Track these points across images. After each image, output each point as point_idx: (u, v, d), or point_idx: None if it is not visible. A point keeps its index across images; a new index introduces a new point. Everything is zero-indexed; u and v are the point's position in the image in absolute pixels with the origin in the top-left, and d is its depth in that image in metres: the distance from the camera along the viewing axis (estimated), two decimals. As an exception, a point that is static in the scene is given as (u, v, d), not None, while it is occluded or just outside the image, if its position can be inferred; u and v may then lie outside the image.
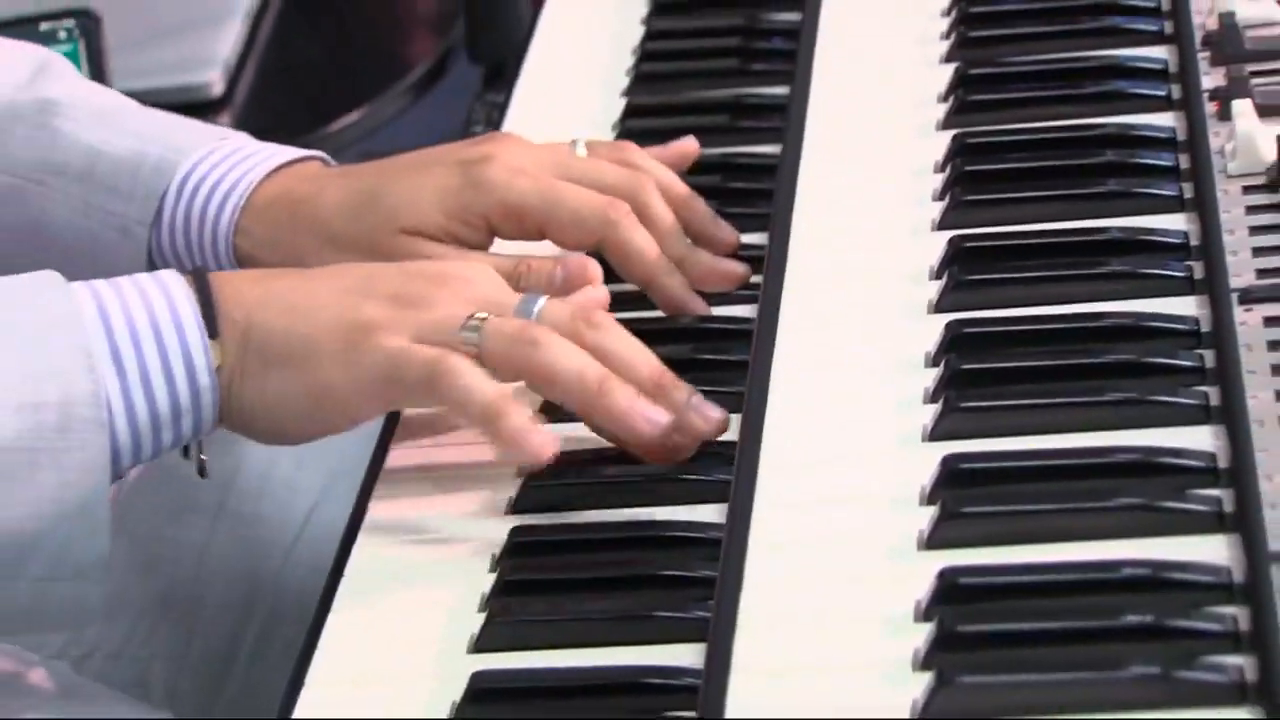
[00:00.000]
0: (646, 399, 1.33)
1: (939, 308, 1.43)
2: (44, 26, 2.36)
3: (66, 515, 1.29)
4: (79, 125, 1.68)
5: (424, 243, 1.56)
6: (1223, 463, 1.22)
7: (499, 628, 1.26)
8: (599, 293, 1.44)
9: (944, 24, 1.76)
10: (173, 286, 1.35)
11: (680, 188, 1.59)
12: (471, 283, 1.39)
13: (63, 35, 2.37)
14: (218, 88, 2.49)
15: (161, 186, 1.63)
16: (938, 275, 1.46)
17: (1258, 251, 1.37)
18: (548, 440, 1.31)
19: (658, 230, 1.56)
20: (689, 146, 1.67)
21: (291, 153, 1.66)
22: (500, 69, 2.33)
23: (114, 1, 2.50)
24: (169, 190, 1.63)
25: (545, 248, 1.59)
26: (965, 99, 1.65)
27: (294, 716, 1.23)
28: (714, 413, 1.36)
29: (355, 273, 1.42)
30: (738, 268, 1.57)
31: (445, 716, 1.20)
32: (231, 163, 1.64)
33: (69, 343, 1.31)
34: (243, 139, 1.67)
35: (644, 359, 1.37)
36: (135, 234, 1.64)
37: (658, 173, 1.59)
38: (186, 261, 1.65)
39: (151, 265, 1.63)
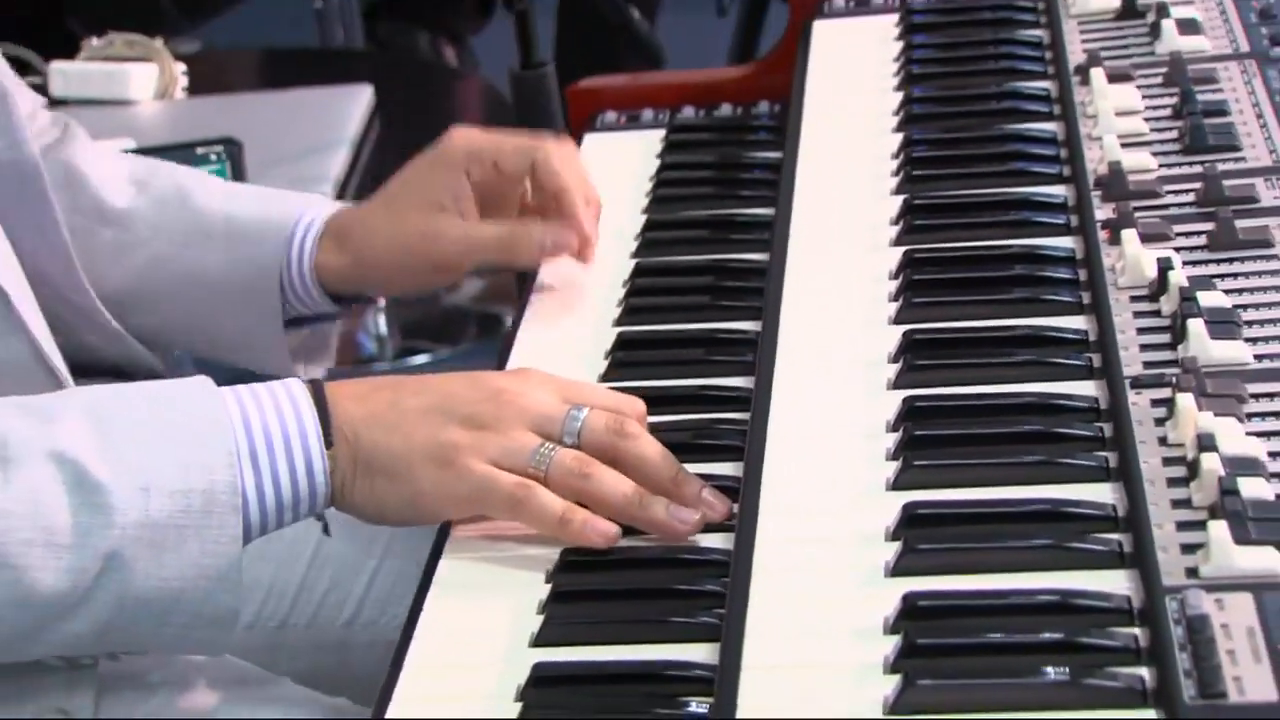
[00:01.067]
0: (675, 504, 1.35)
1: (897, 385, 1.44)
2: (200, 150, 2.39)
3: (206, 578, 1.32)
4: (212, 200, 1.74)
5: (445, 216, 1.64)
6: (1121, 512, 1.24)
7: (553, 627, 1.29)
8: (636, 404, 1.44)
9: (893, 164, 1.76)
10: (300, 401, 1.38)
11: None
12: (529, 399, 1.40)
13: (214, 157, 2.39)
14: (330, 193, 2.52)
15: (284, 235, 1.69)
16: (895, 359, 1.47)
17: (1144, 347, 1.38)
18: (608, 530, 1.34)
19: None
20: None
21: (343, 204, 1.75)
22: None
23: (253, 130, 2.53)
24: (291, 236, 1.70)
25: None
26: (912, 223, 1.65)
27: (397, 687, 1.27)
28: (720, 504, 1.37)
29: (435, 392, 1.42)
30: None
31: (513, 698, 1.22)
32: (312, 212, 1.72)
33: (217, 443, 1.34)
34: (316, 198, 1.77)
35: (666, 462, 1.37)
36: (269, 271, 1.69)
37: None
38: (291, 290, 1.71)
39: (283, 292, 1.70)
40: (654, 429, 1.45)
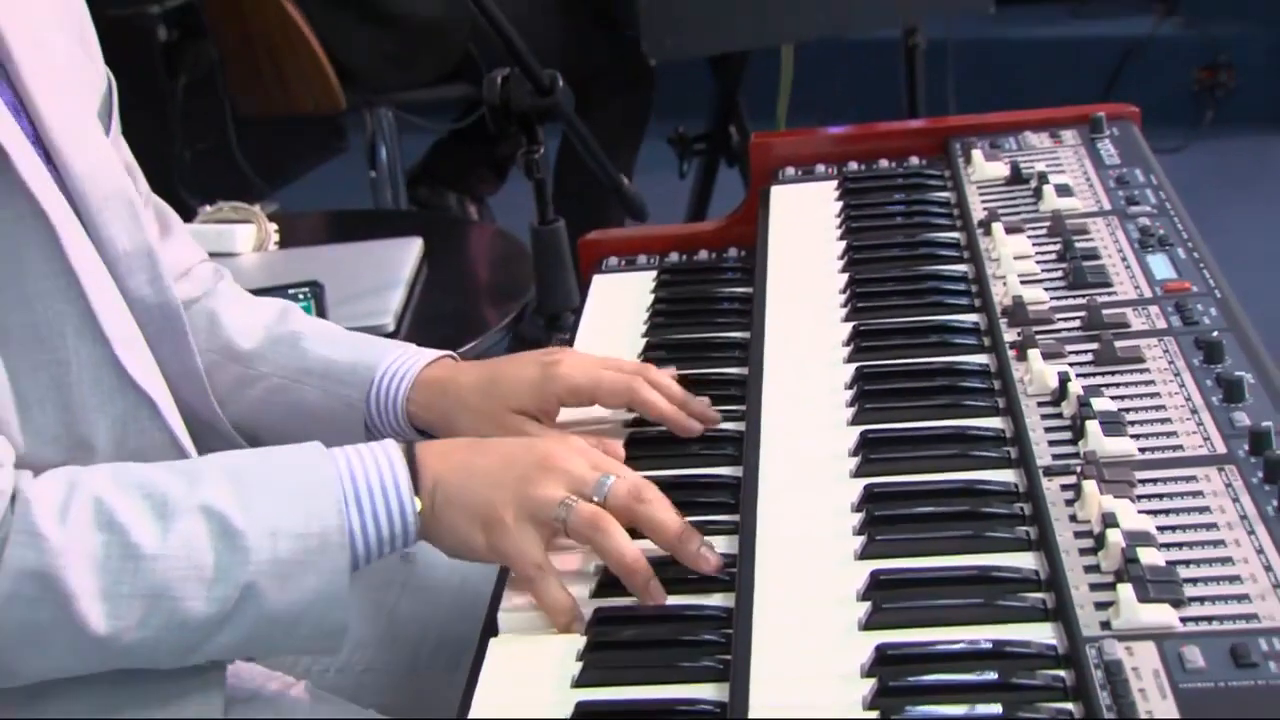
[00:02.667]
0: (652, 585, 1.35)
1: (858, 474, 1.43)
2: (290, 291, 2.39)
3: (322, 602, 1.34)
4: (318, 345, 1.72)
5: (526, 421, 1.60)
6: (1043, 576, 1.23)
7: (591, 671, 1.28)
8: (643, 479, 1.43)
9: (841, 298, 1.75)
10: (394, 457, 1.40)
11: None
12: (569, 463, 1.41)
13: (301, 296, 2.39)
14: (390, 326, 2.52)
15: (370, 378, 1.68)
16: (855, 453, 1.45)
17: (1051, 443, 1.37)
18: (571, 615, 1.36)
19: (661, 388, 1.61)
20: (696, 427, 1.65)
21: (437, 353, 1.71)
22: (557, 318, 2.35)
23: (330, 274, 2.53)
24: (374, 380, 1.68)
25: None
26: (860, 345, 1.64)
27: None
28: (714, 558, 1.36)
29: (498, 454, 1.43)
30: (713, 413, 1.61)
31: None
32: (403, 361, 1.69)
33: (328, 494, 1.36)
34: (409, 346, 1.72)
35: (674, 521, 1.37)
36: (356, 407, 1.68)
37: (651, 369, 1.63)
38: (379, 416, 1.69)
39: (366, 424, 1.69)
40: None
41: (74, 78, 1.55)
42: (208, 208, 2.93)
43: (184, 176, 4.86)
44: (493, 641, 1.36)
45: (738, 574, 1.34)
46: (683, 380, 1.67)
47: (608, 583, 1.39)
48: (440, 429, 1.65)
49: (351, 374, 1.69)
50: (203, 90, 5.10)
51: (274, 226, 2.93)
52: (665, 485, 1.51)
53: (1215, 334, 1.48)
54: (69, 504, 1.30)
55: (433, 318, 2.67)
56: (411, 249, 2.80)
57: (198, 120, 5.14)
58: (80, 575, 1.28)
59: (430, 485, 1.40)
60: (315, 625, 1.35)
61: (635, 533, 1.39)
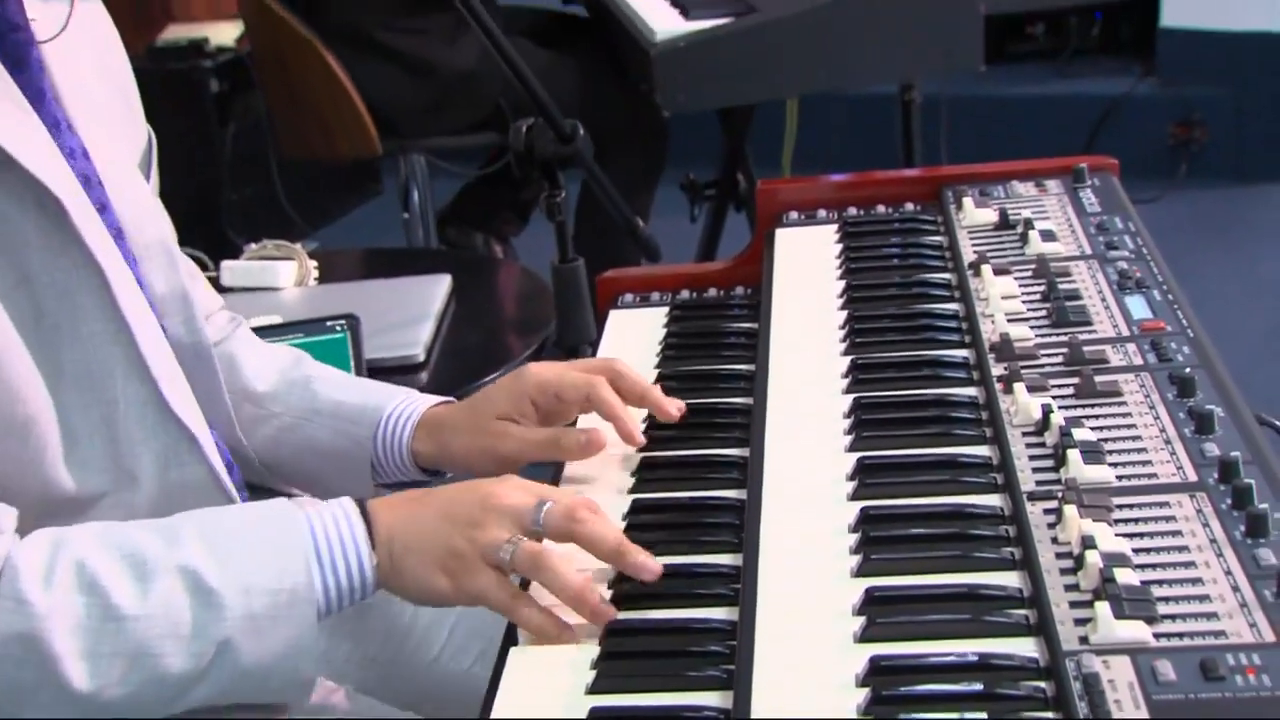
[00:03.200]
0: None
1: (854, 497, 1.42)
2: (328, 323, 2.39)
3: (294, 654, 1.33)
4: (328, 388, 1.73)
5: (508, 425, 1.62)
6: (1027, 594, 1.23)
7: (604, 679, 1.28)
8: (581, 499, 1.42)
9: (840, 333, 1.75)
10: (350, 513, 1.38)
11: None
12: (508, 500, 1.38)
13: (338, 329, 2.39)
14: (420, 356, 2.51)
15: (377, 419, 1.68)
16: (852, 478, 1.45)
17: (1034, 470, 1.37)
18: (539, 623, 1.34)
19: (626, 383, 1.64)
20: (671, 409, 1.67)
21: (438, 399, 1.72)
22: (575, 350, 2.35)
23: (366, 308, 2.53)
24: (380, 420, 1.68)
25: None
26: (857, 378, 1.64)
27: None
28: (654, 565, 1.35)
29: (442, 499, 1.41)
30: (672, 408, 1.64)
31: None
32: (408, 404, 1.69)
33: (296, 550, 1.35)
34: (414, 393, 1.73)
35: (612, 535, 1.37)
36: (363, 445, 1.68)
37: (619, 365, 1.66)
38: (385, 456, 1.69)
39: (373, 462, 1.69)
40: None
41: (118, 131, 1.57)
42: (253, 245, 2.94)
43: (232, 216, 4.90)
44: (512, 650, 1.35)
45: (742, 589, 1.33)
46: (691, 409, 1.67)
47: (619, 597, 1.37)
48: (440, 460, 1.68)
49: (360, 414, 1.69)
50: (250, 137, 5.15)
51: (314, 263, 2.94)
52: (674, 507, 1.53)
53: (1188, 370, 1.48)
54: (53, 567, 1.28)
55: (460, 349, 2.66)
56: (441, 285, 2.80)
57: (245, 165, 5.18)
58: (63, 637, 1.25)
59: (386, 538, 1.38)
60: (287, 677, 1.34)
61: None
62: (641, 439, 1.60)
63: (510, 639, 1.38)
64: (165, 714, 1.32)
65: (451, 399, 1.73)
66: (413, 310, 2.70)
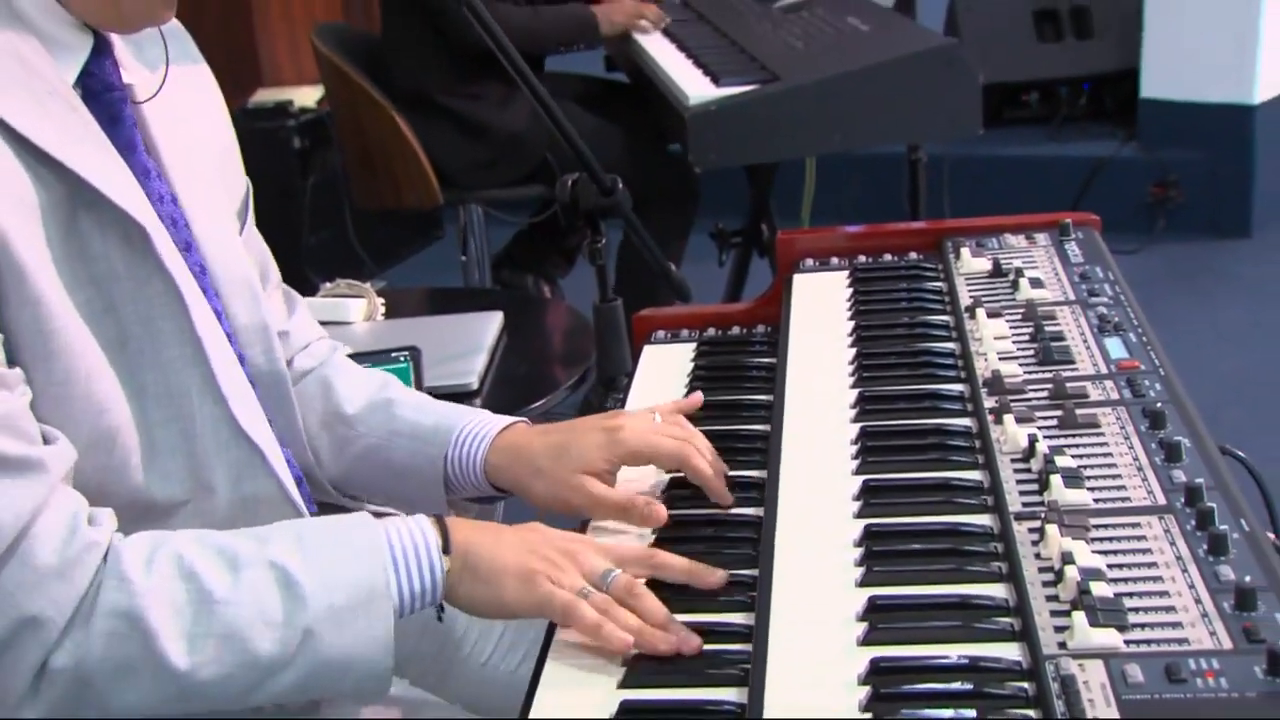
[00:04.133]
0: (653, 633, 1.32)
1: (859, 515, 1.42)
2: (393, 354, 2.39)
3: (371, 648, 1.32)
4: (408, 410, 1.70)
5: (591, 480, 1.57)
6: (1012, 604, 1.23)
7: (633, 676, 1.29)
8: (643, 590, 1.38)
9: (850, 368, 1.75)
10: (425, 527, 1.38)
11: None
12: (583, 557, 1.39)
13: (402, 359, 2.39)
14: (474, 385, 2.50)
15: (449, 439, 1.66)
16: (858, 498, 1.45)
17: (1021, 493, 1.37)
18: (624, 640, 1.32)
19: (709, 456, 1.58)
20: (697, 399, 1.71)
21: (511, 419, 1.68)
22: (613, 381, 2.35)
23: (427, 341, 2.53)
24: (451, 441, 1.66)
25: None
26: (864, 408, 1.63)
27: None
28: (694, 641, 1.32)
29: (524, 539, 1.40)
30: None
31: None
32: (480, 425, 1.67)
33: (375, 556, 1.34)
34: (486, 414, 1.69)
35: (659, 610, 1.34)
36: (436, 463, 1.66)
37: (698, 436, 1.61)
38: (459, 473, 1.66)
39: (446, 478, 1.66)
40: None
41: (215, 181, 1.57)
42: (328, 284, 2.96)
43: (310, 258, 4.91)
44: (552, 646, 1.36)
45: (757, 597, 1.34)
46: (715, 434, 1.66)
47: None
48: (515, 488, 1.65)
49: (434, 434, 1.67)
50: (328, 188, 5.18)
51: (381, 301, 2.94)
52: (699, 523, 1.54)
53: (1159, 405, 1.48)
54: (154, 557, 1.28)
55: (510, 379, 2.66)
56: (494, 321, 2.80)
57: (322, 212, 5.22)
58: (162, 616, 1.25)
59: (461, 550, 1.37)
60: (366, 669, 1.32)
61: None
62: (731, 499, 1.56)
63: (550, 637, 1.38)
64: (251, 701, 1.31)
65: (524, 420, 1.70)
66: (468, 343, 2.70)
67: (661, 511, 1.53)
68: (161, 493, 1.39)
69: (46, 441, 1.28)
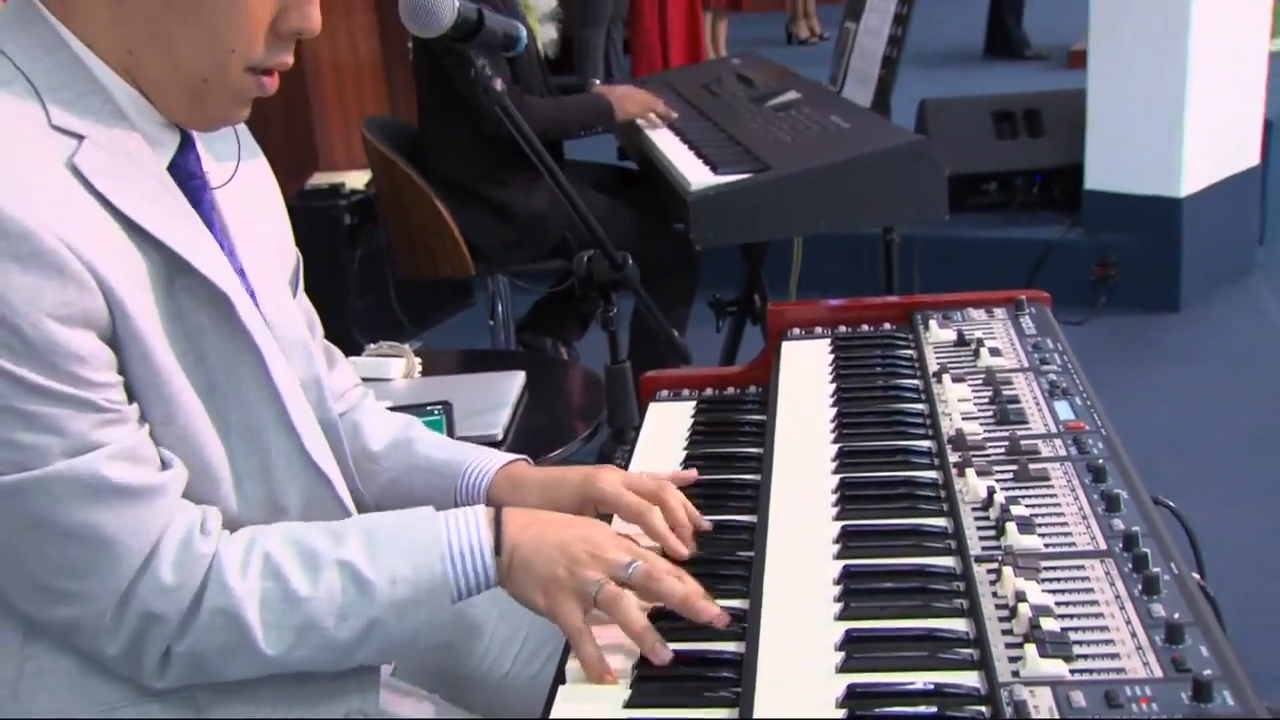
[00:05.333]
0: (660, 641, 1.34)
1: (839, 556, 1.42)
2: (427, 408, 2.40)
3: (430, 630, 1.38)
4: (425, 447, 1.73)
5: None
6: (972, 637, 1.24)
7: (637, 696, 1.29)
8: (660, 561, 1.43)
9: (831, 425, 1.74)
10: (484, 531, 1.41)
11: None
12: (607, 552, 1.40)
13: (435, 412, 2.40)
14: (500, 436, 2.50)
15: (459, 472, 1.68)
16: (837, 541, 1.45)
17: (981, 538, 1.37)
18: (594, 657, 1.34)
19: (670, 512, 1.58)
20: (692, 474, 1.69)
21: (514, 456, 1.71)
22: (622, 434, 2.35)
23: (457, 396, 2.53)
24: (461, 474, 1.68)
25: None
26: (843, 461, 1.63)
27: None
28: (712, 608, 1.36)
29: (560, 536, 1.42)
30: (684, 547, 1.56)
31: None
32: (486, 461, 1.69)
33: (435, 550, 1.39)
34: (493, 451, 1.72)
35: (679, 589, 1.38)
36: (447, 494, 1.68)
37: (668, 489, 1.60)
38: (464, 502, 1.67)
39: (455, 505, 1.65)
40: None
41: (272, 253, 1.59)
42: (371, 345, 2.96)
43: (356, 321, 4.92)
44: (568, 669, 1.36)
45: (748, 628, 1.33)
46: (710, 484, 1.66)
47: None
48: None
49: (445, 468, 1.69)
50: (373, 259, 5.20)
51: (418, 360, 2.95)
52: (696, 560, 1.52)
53: (1101, 461, 1.49)
54: (249, 560, 1.34)
55: (531, 430, 2.66)
56: (517, 379, 2.81)
57: (368, 280, 5.22)
58: (254, 613, 1.32)
59: (510, 547, 1.41)
60: (429, 642, 1.40)
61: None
62: (685, 552, 1.54)
63: (568, 652, 1.38)
64: (339, 667, 1.39)
65: (524, 457, 1.72)
66: (495, 399, 2.70)
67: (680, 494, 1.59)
68: (244, 514, 1.42)
69: (165, 466, 1.33)
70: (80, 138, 1.30)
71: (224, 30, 1.35)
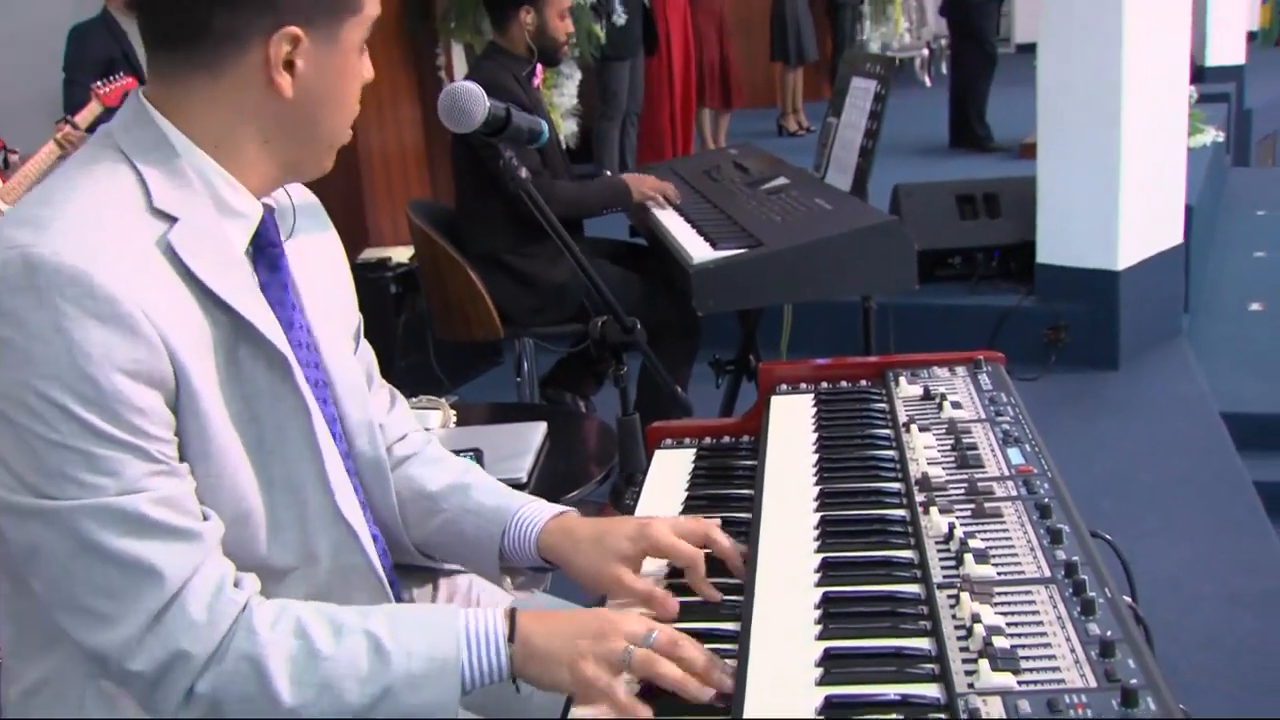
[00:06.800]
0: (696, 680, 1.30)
1: (819, 584, 1.41)
2: (461, 453, 2.38)
3: (437, 708, 1.31)
4: (479, 494, 1.69)
5: (625, 570, 1.53)
6: (934, 653, 1.23)
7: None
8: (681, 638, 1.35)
9: (814, 470, 1.73)
10: (499, 621, 1.35)
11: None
12: (625, 627, 1.34)
13: (469, 457, 2.40)
14: (524, 479, 2.49)
15: (507, 519, 1.64)
16: (818, 571, 1.44)
17: (942, 567, 1.37)
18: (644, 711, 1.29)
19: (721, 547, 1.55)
20: (698, 555, 1.55)
21: (563, 508, 1.66)
22: (631, 477, 2.36)
23: (488, 444, 2.57)
24: (508, 521, 1.64)
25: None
26: (824, 501, 1.63)
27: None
28: (728, 682, 1.29)
29: (576, 622, 1.36)
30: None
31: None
32: (536, 511, 1.65)
33: (450, 636, 1.33)
34: (542, 502, 1.67)
35: (701, 657, 1.32)
36: (495, 539, 1.64)
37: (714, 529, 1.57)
38: (512, 547, 1.63)
39: (501, 550, 1.64)
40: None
41: (338, 314, 1.60)
42: (413, 399, 2.97)
43: (399, 378, 4.88)
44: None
45: (739, 647, 1.33)
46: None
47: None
48: (560, 563, 1.61)
49: (495, 514, 1.65)
50: (415, 324, 5.23)
51: (454, 413, 2.96)
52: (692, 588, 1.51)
53: (1047, 500, 1.49)
54: (280, 618, 1.30)
55: (551, 474, 2.67)
56: (540, 429, 2.82)
57: (411, 342, 5.26)
58: (277, 663, 1.27)
59: (524, 636, 1.34)
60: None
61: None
62: (719, 597, 1.51)
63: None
64: None
65: (573, 509, 1.66)
66: (520, 446, 2.71)
67: (674, 606, 1.48)
68: (279, 560, 1.41)
69: (205, 518, 1.31)
70: (174, 219, 1.33)
71: (352, 102, 1.44)
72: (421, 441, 1.79)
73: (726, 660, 1.34)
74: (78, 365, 1.21)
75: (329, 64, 1.39)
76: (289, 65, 1.37)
